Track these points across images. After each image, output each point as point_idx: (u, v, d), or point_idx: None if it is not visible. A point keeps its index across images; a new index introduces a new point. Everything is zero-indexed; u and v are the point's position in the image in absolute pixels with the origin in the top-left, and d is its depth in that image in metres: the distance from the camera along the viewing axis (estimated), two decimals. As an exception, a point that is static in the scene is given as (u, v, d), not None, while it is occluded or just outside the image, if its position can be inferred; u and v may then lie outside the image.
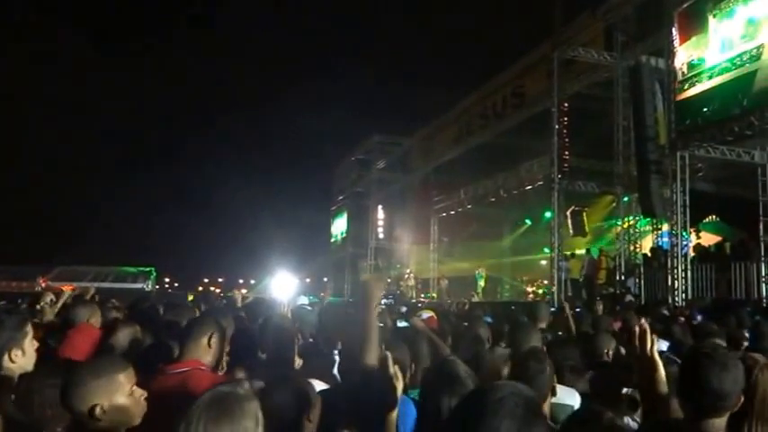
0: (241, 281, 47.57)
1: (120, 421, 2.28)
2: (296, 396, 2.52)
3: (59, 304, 6.84)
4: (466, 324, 6.08)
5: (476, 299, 22.44)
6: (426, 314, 6.39)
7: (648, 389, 2.34)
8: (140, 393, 2.37)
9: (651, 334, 2.36)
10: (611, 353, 4.35)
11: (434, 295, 25.29)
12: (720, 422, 2.25)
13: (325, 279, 39.31)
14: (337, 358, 3.78)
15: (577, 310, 10.36)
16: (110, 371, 2.31)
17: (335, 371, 3.59)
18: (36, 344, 3.03)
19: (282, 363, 3.64)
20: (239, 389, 2.01)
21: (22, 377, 2.75)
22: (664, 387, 2.30)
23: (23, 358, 2.88)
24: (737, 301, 11.94)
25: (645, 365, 2.35)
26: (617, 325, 6.72)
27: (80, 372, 2.30)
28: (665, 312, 9.74)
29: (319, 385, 3.06)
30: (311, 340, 4.82)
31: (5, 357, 2.83)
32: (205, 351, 3.10)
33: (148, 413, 2.38)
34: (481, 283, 24.20)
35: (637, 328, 2.37)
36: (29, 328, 3.01)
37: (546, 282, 22.06)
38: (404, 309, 6.88)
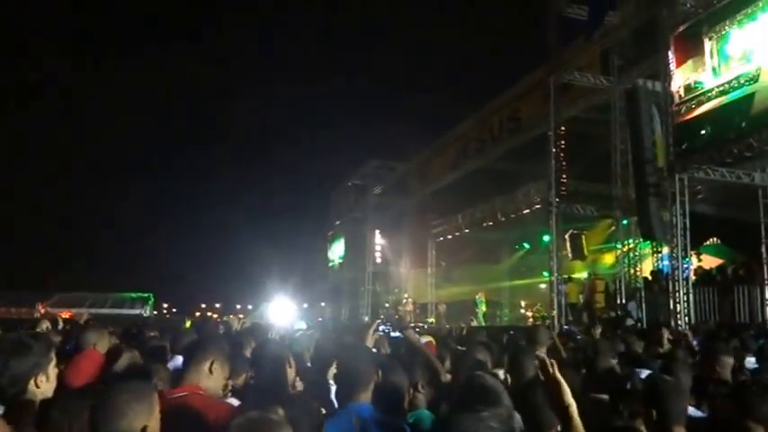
0: (238, 306, 47.18)
1: None
2: (308, 415, 2.51)
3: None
4: (463, 348, 5.91)
5: (474, 323, 22.14)
6: (425, 339, 6.23)
7: (559, 403, 2.40)
8: (159, 417, 2.37)
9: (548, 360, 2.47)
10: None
11: (432, 320, 25.00)
12: None
13: (323, 304, 38.99)
14: (331, 384, 3.68)
15: (566, 328, 10.13)
16: (147, 393, 2.35)
17: (333, 397, 3.48)
18: (56, 370, 3.04)
19: (276, 387, 3.61)
20: (272, 414, 2.03)
21: (42, 402, 2.73)
22: (569, 397, 2.38)
23: (47, 384, 2.88)
24: (742, 324, 11.70)
25: (552, 385, 2.43)
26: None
27: (122, 396, 2.28)
28: (669, 336, 9.50)
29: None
30: (309, 365, 4.80)
31: (31, 382, 2.81)
32: (206, 377, 3.08)
33: None
34: (482, 308, 23.92)
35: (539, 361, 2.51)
36: (53, 354, 3.02)
37: (540, 305, 21.82)
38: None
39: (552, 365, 2.44)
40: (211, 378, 3.11)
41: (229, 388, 3.48)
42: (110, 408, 2.23)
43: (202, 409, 2.77)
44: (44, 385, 2.87)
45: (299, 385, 3.91)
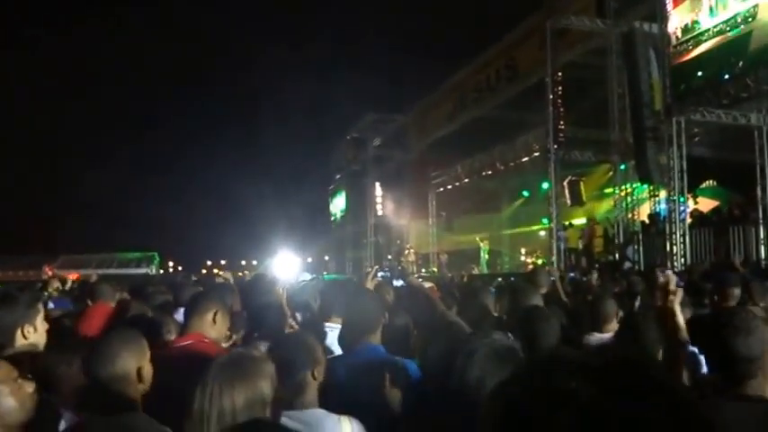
0: (243, 262, 47.50)
1: (147, 386, 2.35)
2: (302, 350, 2.47)
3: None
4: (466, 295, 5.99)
5: (475, 271, 22.31)
6: (427, 285, 6.29)
7: (669, 337, 2.38)
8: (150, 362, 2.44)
9: (672, 285, 2.39)
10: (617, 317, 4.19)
11: (435, 269, 25.20)
12: (757, 382, 2.17)
13: (327, 257, 39.24)
14: (328, 331, 3.75)
15: (571, 275, 10.27)
16: (137, 337, 2.41)
17: (329, 342, 3.56)
18: (47, 325, 3.08)
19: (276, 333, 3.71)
20: (254, 351, 2.08)
21: (35, 355, 2.74)
22: (684, 334, 2.31)
23: (35, 335, 2.94)
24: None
25: (664, 315, 2.40)
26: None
27: (113, 341, 2.37)
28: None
29: None
30: (308, 315, 4.91)
31: (18, 333, 2.89)
32: (210, 326, 3.15)
33: (155, 383, 2.43)
34: (485, 255, 24.06)
35: (660, 279, 2.42)
36: (41, 307, 3.11)
37: (539, 252, 21.95)
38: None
39: (671, 294, 2.40)
40: (214, 328, 3.18)
41: (231, 340, 3.56)
42: (104, 351, 2.29)
43: (209, 354, 2.80)
44: (32, 336, 2.93)
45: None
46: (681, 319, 2.39)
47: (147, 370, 2.34)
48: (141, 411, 2.25)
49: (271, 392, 1.91)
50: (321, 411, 2.34)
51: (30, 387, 2.17)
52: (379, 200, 31.41)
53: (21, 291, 3.29)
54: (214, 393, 1.82)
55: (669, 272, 2.47)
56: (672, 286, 2.40)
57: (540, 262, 20.86)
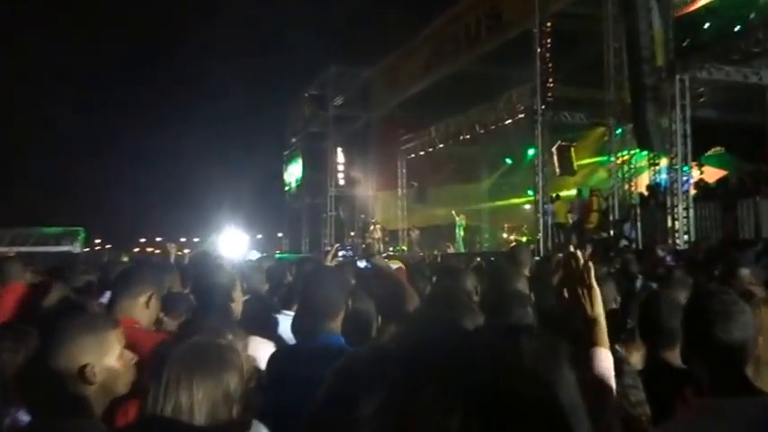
0: (183, 239, 47.01)
1: (110, 388, 2.20)
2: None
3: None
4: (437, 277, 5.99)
5: (451, 250, 22.40)
6: (395, 265, 6.21)
7: (586, 313, 2.16)
8: (130, 357, 2.28)
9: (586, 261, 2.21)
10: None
11: (404, 248, 25.23)
12: (749, 371, 2.08)
13: (280, 234, 39.04)
14: (280, 318, 3.71)
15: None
16: (99, 328, 2.25)
17: (282, 330, 3.50)
18: None
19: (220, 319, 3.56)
20: (219, 340, 2.05)
21: None
22: (600, 307, 2.15)
23: None
24: (746, 240, 11.94)
25: (581, 292, 2.17)
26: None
27: (66, 328, 2.22)
28: (662, 254, 9.74)
29: (264, 344, 3.29)
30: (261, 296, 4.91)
31: None
32: (142, 311, 3.12)
33: None
34: (461, 232, 24.12)
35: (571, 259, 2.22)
36: None
37: (525, 227, 22.10)
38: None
39: (589, 270, 2.18)
40: (146, 312, 3.14)
41: (164, 326, 3.53)
42: (53, 341, 2.21)
43: (141, 340, 2.76)
44: None
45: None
46: (599, 302, 2.16)
47: (103, 369, 2.16)
48: (93, 415, 2.15)
49: (239, 387, 1.87)
50: None
51: None
52: (340, 167, 31.25)
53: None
54: (170, 385, 1.78)
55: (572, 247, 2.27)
56: (589, 270, 2.18)
57: (524, 239, 20.98)
